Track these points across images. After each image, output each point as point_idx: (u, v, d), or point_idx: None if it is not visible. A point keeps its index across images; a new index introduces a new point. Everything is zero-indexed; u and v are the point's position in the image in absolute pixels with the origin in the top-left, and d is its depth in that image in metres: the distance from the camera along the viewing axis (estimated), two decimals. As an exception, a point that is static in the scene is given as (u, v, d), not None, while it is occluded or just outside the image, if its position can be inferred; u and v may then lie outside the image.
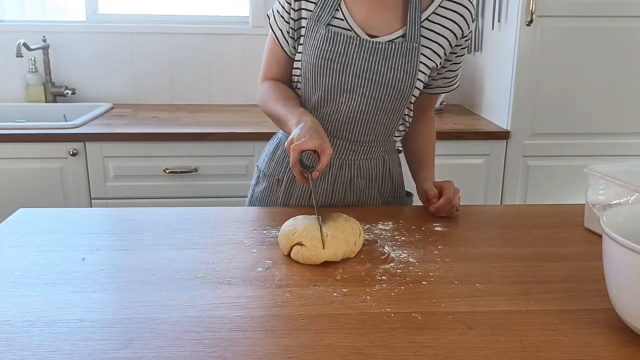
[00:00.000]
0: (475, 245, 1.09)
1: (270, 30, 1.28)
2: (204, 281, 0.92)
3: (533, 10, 2.04)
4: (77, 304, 0.85)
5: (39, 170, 2.08)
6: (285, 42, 1.26)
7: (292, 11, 1.23)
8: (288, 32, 1.25)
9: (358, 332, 0.78)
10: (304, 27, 1.22)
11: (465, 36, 1.25)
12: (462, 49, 1.28)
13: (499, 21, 2.28)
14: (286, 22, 1.25)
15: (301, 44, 1.24)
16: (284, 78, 1.31)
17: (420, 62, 1.21)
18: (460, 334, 0.78)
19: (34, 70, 2.54)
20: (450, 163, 2.20)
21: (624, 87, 2.17)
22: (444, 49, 1.23)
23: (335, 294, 0.89)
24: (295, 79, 1.28)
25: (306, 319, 0.81)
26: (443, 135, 2.18)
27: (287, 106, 1.20)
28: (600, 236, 0.79)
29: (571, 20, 2.09)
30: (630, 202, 1.04)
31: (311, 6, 1.21)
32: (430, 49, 1.22)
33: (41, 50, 2.51)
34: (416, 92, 1.25)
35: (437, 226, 1.18)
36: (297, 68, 1.27)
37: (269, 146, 1.41)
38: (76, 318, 0.81)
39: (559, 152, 2.22)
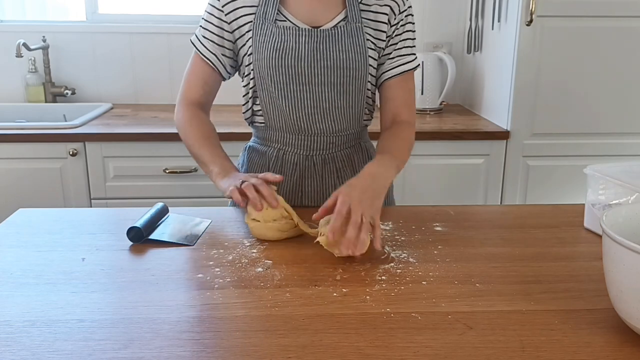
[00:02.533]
0: (475, 245, 1.09)
1: (198, 55, 1.27)
2: (204, 281, 0.92)
3: (533, 10, 2.04)
4: (77, 304, 0.85)
5: (39, 170, 2.08)
6: (221, 65, 1.28)
7: (225, 32, 1.25)
8: (224, 55, 1.27)
9: (358, 332, 0.78)
10: (249, 31, 1.23)
11: (403, 11, 1.27)
12: (402, 25, 1.28)
13: (498, 21, 2.28)
14: (219, 45, 1.26)
15: (249, 52, 1.25)
16: (209, 99, 1.32)
17: (367, 39, 1.25)
18: (460, 334, 0.78)
19: (33, 70, 2.54)
20: (450, 163, 2.21)
21: (623, 87, 2.17)
22: (385, 24, 1.26)
23: (335, 294, 0.89)
24: (252, 83, 1.28)
25: (306, 319, 0.81)
26: (443, 135, 2.18)
27: (208, 148, 1.24)
28: (600, 236, 0.79)
29: (571, 20, 2.09)
30: (630, 202, 1.04)
31: (252, 9, 1.23)
32: (372, 28, 1.25)
33: (41, 50, 2.51)
34: (372, 71, 1.27)
35: (437, 226, 1.18)
36: (250, 71, 1.27)
37: (242, 157, 1.42)
38: (76, 318, 0.81)
39: (559, 152, 2.22)
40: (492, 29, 2.34)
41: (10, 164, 2.06)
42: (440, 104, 2.53)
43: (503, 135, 2.20)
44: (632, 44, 2.13)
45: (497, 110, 2.30)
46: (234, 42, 1.26)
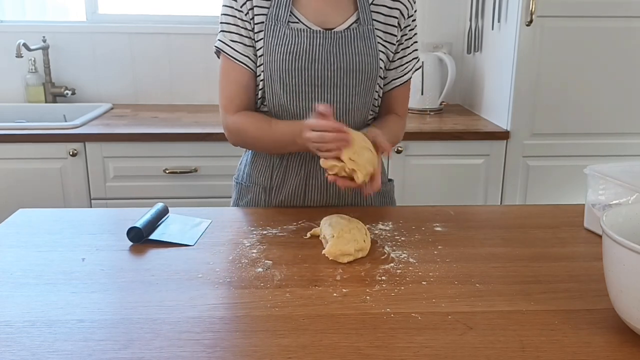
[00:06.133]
0: (475, 245, 1.09)
1: (231, 61, 1.23)
2: (204, 281, 0.92)
3: (533, 10, 2.04)
4: (77, 305, 0.85)
5: (39, 170, 2.08)
6: (255, 64, 1.25)
7: (249, 32, 1.22)
8: (255, 55, 1.24)
9: (358, 332, 0.78)
10: (261, 31, 1.22)
11: (411, 15, 1.28)
12: (410, 30, 1.29)
13: (498, 21, 2.28)
14: (248, 46, 1.23)
15: (260, 53, 1.23)
16: (252, 101, 1.28)
17: (378, 42, 1.25)
18: (460, 334, 0.78)
19: (33, 70, 2.54)
20: (450, 163, 2.21)
21: (624, 87, 2.17)
22: (395, 27, 1.26)
23: (335, 294, 0.89)
24: (261, 84, 1.25)
25: (306, 319, 0.81)
26: (443, 135, 2.18)
27: (283, 124, 1.20)
28: (600, 236, 0.79)
29: (571, 20, 2.09)
30: (630, 202, 1.04)
31: (264, 10, 1.21)
32: (382, 30, 1.26)
33: (41, 51, 2.51)
34: (381, 73, 1.28)
35: (437, 226, 1.18)
36: (261, 72, 1.24)
37: (246, 156, 1.39)
38: (76, 318, 0.81)
39: (559, 152, 2.22)
40: (492, 29, 2.34)
41: (11, 164, 2.07)
42: (440, 104, 2.53)
43: (503, 135, 2.20)
44: (632, 44, 2.13)
45: (497, 110, 2.30)
46: (256, 41, 1.24)
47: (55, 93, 2.56)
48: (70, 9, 2.68)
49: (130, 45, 2.59)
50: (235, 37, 1.23)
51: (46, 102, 2.56)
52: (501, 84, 2.26)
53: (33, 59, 2.52)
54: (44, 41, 2.51)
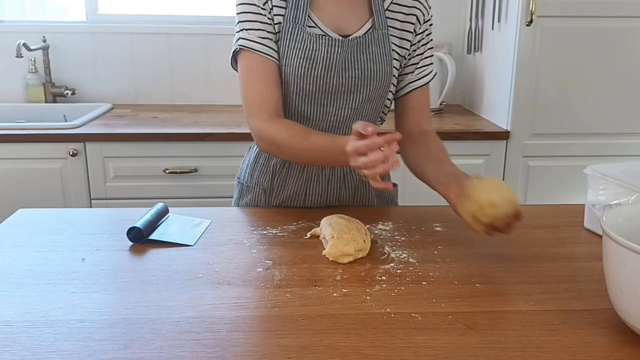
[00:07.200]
0: (475, 245, 1.09)
1: (262, 57, 1.18)
2: (204, 281, 0.92)
3: (533, 10, 2.04)
4: (77, 305, 0.85)
5: (39, 171, 2.08)
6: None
7: (273, 29, 1.19)
8: (279, 54, 1.21)
9: (358, 332, 0.78)
10: (278, 32, 1.19)
11: (427, 20, 1.27)
12: (427, 34, 1.28)
13: (498, 21, 2.28)
14: (276, 42, 1.20)
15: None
16: (281, 98, 1.23)
17: (392, 49, 1.24)
18: (460, 334, 0.78)
19: (33, 70, 2.54)
20: (450, 163, 2.20)
21: (624, 87, 2.17)
22: (411, 33, 1.25)
23: (335, 294, 0.89)
24: None
25: (306, 319, 0.81)
26: (443, 136, 2.15)
27: (321, 139, 1.14)
28: (600, 236, 0.79)
29: (571, 20, 2.09)
30: (630, 202, 1.04)
31: (282, 11, 1.18)
32: (397, 37, 1.24)
33: (41, 51, 2.51)
34: (394, 80, 1.27)
35: (437, 226, 1.18)
36: None
37: (249, 156, 1.38)
38: (76, 318, 0.81)
39: (559, 152, 2.22)
40: (492, 29, 2.34)
41: (10, 164, 2.06)
42: (441, 104, 2.53)
43: (503, 135, 2.20)
44: (632, 44, 2.13)
45: (497, 110, 2.30)
46: (276, 42, 1.20)
47: (55, 93, 2.56)
48: (70, 9, 2.68)
49: (130, 45, 2.59)
50: (263, 34, 1.19)
51: (46, 102, 2.56)
52: (501, 84, 2.26)
53: (33, 59, 2.52)
54: (44, 41, 2.51)
